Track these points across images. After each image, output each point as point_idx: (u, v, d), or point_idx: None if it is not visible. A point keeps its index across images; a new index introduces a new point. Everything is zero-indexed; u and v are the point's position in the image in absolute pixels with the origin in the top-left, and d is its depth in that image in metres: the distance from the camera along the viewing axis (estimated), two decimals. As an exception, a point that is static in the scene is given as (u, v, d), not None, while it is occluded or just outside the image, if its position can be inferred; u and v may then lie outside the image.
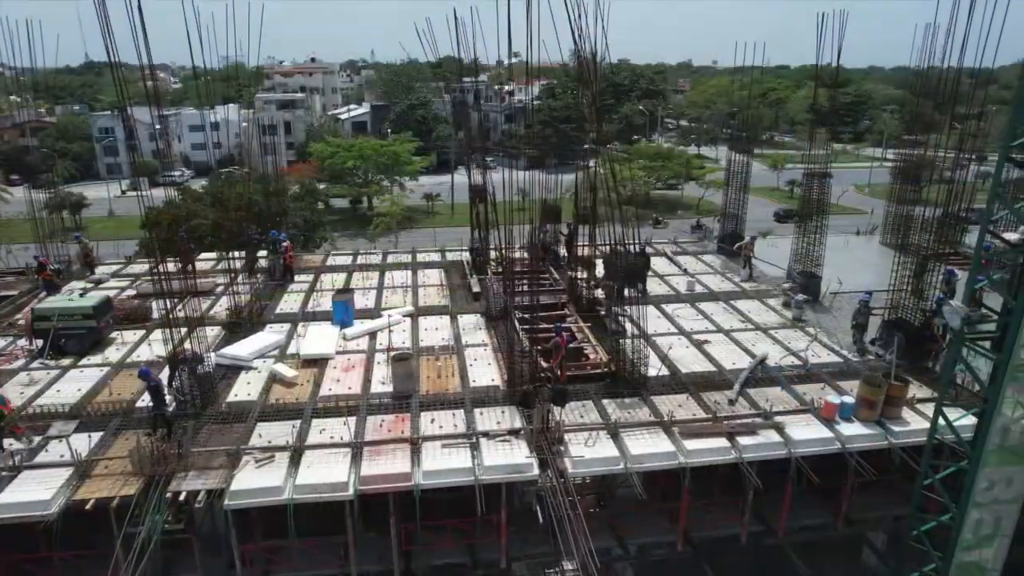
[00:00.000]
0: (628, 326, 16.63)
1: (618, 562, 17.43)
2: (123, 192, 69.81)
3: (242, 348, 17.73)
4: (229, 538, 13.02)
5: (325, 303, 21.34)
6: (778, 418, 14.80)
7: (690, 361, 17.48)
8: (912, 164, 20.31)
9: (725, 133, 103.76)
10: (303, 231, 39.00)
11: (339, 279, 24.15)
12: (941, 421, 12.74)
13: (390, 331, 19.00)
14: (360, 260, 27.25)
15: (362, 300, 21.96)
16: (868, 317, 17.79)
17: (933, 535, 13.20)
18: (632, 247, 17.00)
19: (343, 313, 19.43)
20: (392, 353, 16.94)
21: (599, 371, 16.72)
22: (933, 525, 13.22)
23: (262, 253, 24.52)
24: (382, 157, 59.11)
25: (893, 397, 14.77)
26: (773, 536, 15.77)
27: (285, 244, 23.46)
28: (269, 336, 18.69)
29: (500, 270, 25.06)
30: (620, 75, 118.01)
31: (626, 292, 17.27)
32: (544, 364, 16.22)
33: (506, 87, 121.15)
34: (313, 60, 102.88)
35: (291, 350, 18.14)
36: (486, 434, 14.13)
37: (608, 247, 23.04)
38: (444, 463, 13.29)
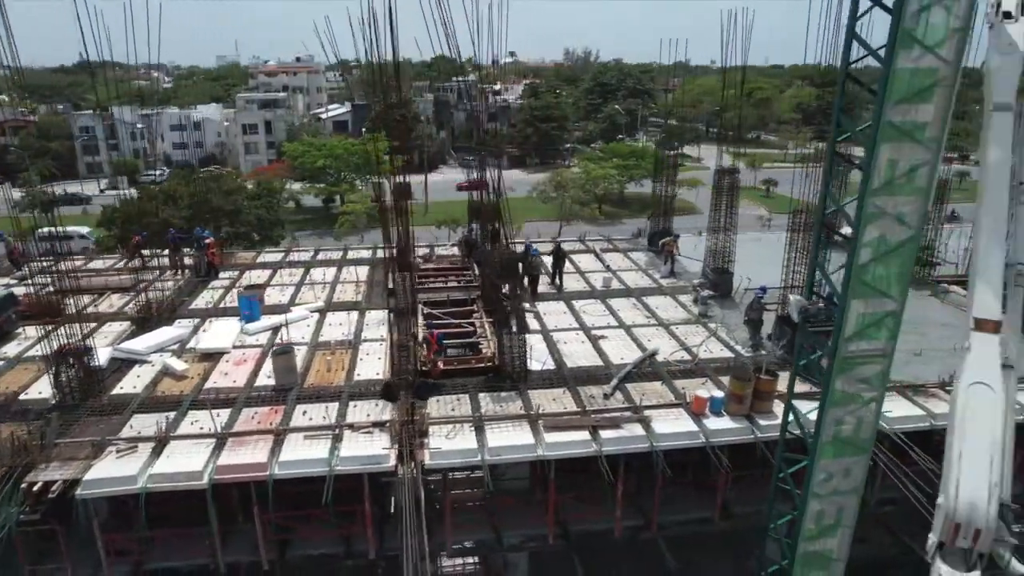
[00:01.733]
0: (516, 321, 16.85)
1: (512, 553, 17.71)
2: (101, 191, 70.29)
3: (140, 343, 18.00)
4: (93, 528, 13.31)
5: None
6: (648, 412, 14.98)
7: (580, 356, 17.66)
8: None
9: (710, 133, 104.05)
10: (257, 229, 39.39)
11: (264, 276, 24.40)
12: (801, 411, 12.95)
13: (287, 326, 19.21)
14: (293, 257, 27.49)
15: (279, 296, 22.25)
16: (761, 313, 17.92)
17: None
18: (510, 244, 17.17)
19: (248, 309, 19.66)
20: (274, 348, 17.17)
21: (482, 365, 16.90)
22: (788, 519, 13.43)
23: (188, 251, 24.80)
24: (353, 156, 59.37)
25: (762, 391, 14.92)
26: (662, 530, 16.01)
27: (207, 241, 23.70)
28: (172, 331, 18.94)
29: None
30: (607, 74, 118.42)
31: (512, 288, 17.45)
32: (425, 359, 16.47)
33: (495, 86, 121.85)
34: (299, 59, 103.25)
35: (190, 345, 18.41)
36: (351, 426, 14.35)
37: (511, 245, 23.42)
38: (301, 454, 13.51)
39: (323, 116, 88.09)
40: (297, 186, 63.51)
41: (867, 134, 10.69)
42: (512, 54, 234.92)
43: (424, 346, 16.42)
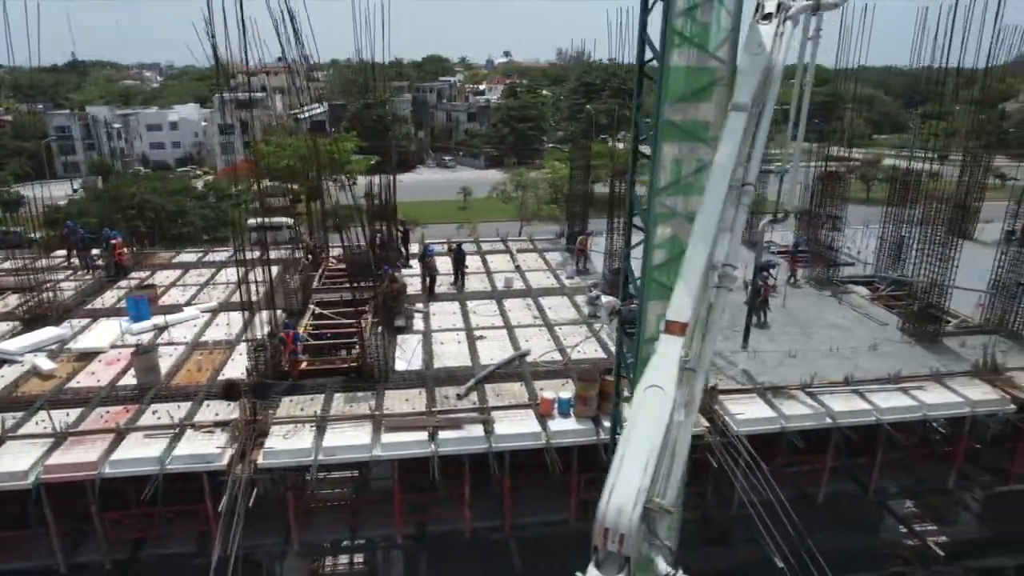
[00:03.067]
0: (383, 321, 16.87)
1: (393, 550, 17.72)
2: (75, 191, 70.55)
3: (14, 343, 18.05)
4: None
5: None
6: (496, 413, 14.96)
7: (450, 357, 17.65)
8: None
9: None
10: (206, 230, 39.44)
11: (173, 275, 24.46)
12: (623, 414, 12.92)
13: (167, 327, 19.23)
14: (212, 257, 27.51)
15: (179, 296, 22.32)
16: (631, 313, 17.80)
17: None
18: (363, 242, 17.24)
19: (135, 309, 19.70)
20: (135, 348, 17.21)
21: (345, 366, 16.90)
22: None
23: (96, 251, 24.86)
24: (320, 156, 59.28)
25: (608, 392, 14.86)
26: (520, 530, 15.97)
27: (114, 241, 23.73)
28: (53, 331, 18.96)
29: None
30: (591, 74, 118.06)
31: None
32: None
33: (480, 86, 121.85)
34: (279, 59, 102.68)
35: (68, 345, 18.45)
36: (193, 425, 14.37)
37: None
38: (135, 453, 13.54)
39: (300, 116, 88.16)
40: (265, 185, 63.46)
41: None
42: (507, 54, 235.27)
43: (282, 346, 16.41)
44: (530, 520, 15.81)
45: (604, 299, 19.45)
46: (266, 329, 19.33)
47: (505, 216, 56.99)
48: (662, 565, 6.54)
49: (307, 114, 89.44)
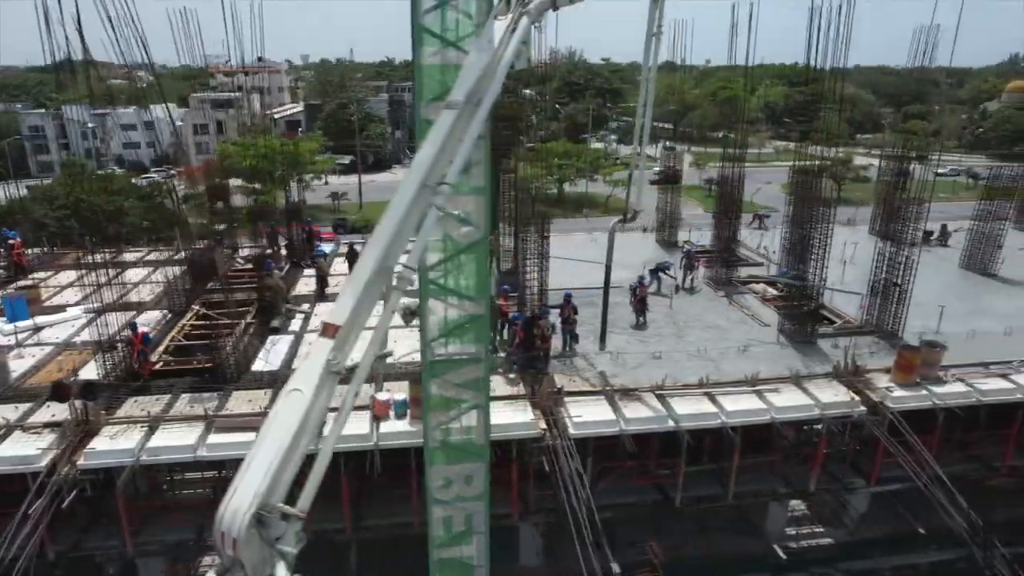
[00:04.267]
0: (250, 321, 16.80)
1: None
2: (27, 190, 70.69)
3: None
4: None
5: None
6: (333, 415, 14.81)
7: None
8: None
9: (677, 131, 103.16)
10: (149, 230, 39.51)
11: (72, 276, 24.45)
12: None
13: (37, 329, 19.20)
14: (126, 257, 27.47)
15: (72, 297, 22.30)
16: (497, 318, 17.68)
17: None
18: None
19: (12, 309, 19.67)
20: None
21: (200, 366, 16.83)
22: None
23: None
24: (280, 156, 59.26)
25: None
26: (365, 531, 15.89)
27: (12, 242, 23.71)
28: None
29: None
30: (575, 74, 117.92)
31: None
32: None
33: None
34: (260, 59, 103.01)
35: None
36: (22, 426, 14.31)
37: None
38: (-46, 454, 13.49)
39: (276, 116, 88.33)
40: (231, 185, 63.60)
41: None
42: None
43: (129, 347, 16.34)
44: (376, 523, 15.71)
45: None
46: (143, 330, 19.41)
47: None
48: (281, 572, 6.41)
49: (283, 114, 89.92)
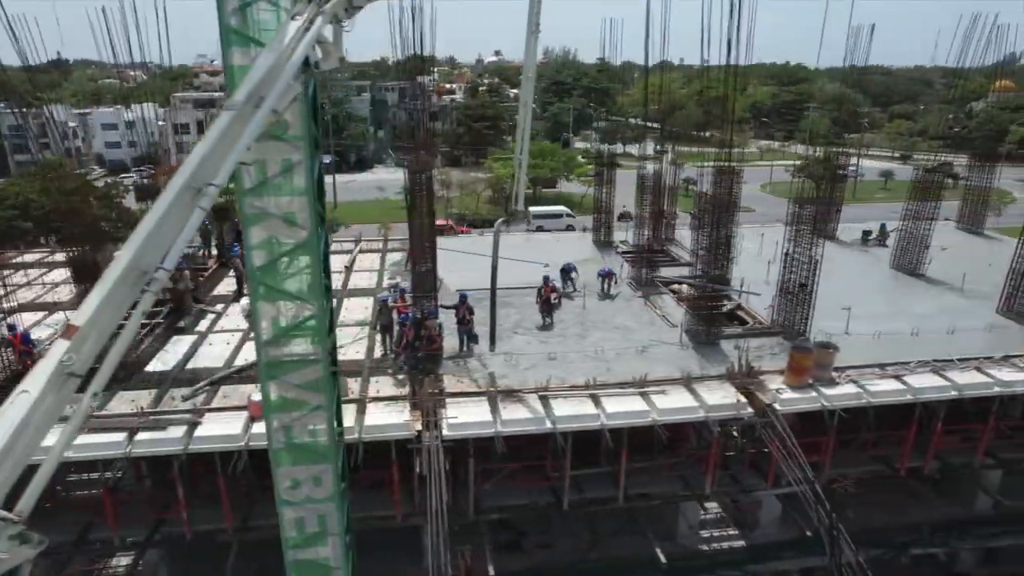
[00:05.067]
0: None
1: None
2: None
3: None
4: None
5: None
6: (211, 415, 14.81)
7: (206, 358, 17.53)
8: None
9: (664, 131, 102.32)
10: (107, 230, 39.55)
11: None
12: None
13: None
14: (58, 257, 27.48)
15: (-10, 296, 22.30)
16: (388, 318, 17.57)
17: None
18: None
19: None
20: None
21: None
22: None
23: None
24: (252, 155, 59.24)
25: (321, 395, 14.67)
26: (250, 532, 15.84)
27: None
28: None
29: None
30: (563, 73, 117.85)
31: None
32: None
33: (449, 85, 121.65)
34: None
35: None
36: None
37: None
38: None
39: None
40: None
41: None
42: (497, 53, 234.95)
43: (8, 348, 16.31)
44: (261, 523, 15.65)
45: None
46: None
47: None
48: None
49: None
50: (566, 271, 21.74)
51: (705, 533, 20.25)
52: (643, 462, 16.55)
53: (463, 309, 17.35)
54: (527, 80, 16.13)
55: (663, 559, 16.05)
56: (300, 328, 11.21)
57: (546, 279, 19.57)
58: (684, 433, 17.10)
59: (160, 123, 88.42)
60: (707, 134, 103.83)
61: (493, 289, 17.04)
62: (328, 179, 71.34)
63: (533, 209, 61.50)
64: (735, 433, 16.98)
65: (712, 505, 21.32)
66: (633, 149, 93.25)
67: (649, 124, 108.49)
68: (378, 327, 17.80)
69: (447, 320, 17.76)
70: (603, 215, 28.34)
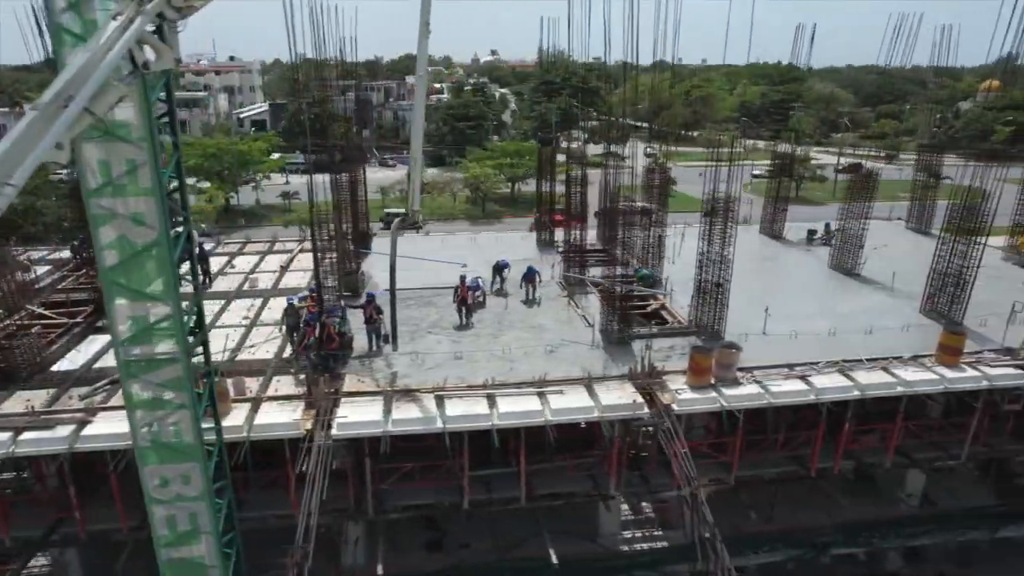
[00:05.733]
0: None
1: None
2: None
3: None
4: None
5: None
6: (107, 414, 14.86)
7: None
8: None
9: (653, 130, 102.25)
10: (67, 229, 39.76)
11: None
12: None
13: None
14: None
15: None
16: (296, 319, 17.55)
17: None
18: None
19: None
20: None
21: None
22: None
23: None
24: (227, 156, 59.44)
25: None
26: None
27: None
28: None
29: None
30: (552, 72, 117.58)
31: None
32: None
33: (436, 84, 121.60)
34: (232, 59, 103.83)
35: None
36: None
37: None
38: None
39: (242, 115, 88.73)
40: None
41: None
42: (494, 52, 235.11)
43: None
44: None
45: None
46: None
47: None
48: None
49: (248, 113, 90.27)
50: (498, 268, 21.75)
51: (628, 534, 20.25)
52: (547, 462, 16.59)
53: (370, 309, 17.38)
54: (420, 80, 16.16)
55: (554, 559, 16.03)
56: (157, 327, 11.25)
57: (463, 279, 19.60)
58: (593, 433, 17.10)
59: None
60: (694, 134, 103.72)
61: (392, 290, 17.05)
62: (320, 179, 70.47)
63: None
64: (649, 432, 16.96)
65: (644, 505, 21.43)
66: (618, 149, 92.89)
67: (637, 124, 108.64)
68: (285, 328, 17.81)
69: (356, 320, 17.80)
70: (544, 215, 28.34)
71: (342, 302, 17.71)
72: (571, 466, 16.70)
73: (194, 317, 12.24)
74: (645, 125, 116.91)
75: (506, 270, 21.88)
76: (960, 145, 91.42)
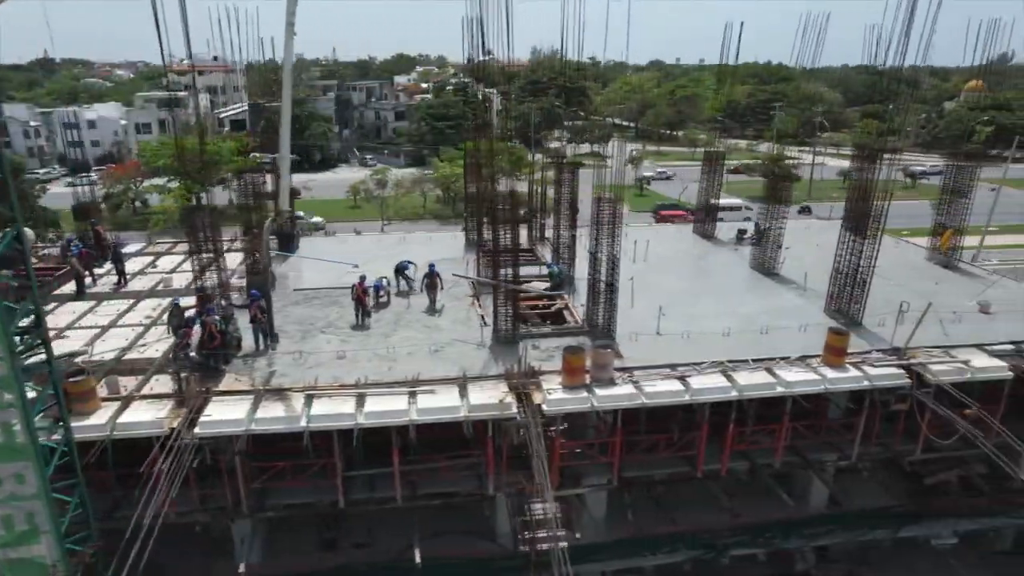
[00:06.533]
0: None
1: None
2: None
3: None
4: None
5: None
6: None
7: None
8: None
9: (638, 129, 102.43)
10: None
11: None
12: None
13: None
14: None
15: None
16: (180, 319, 17.58)
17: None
18: None
19: None
20: None
21: None
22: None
23: None
24: (194, 156, 59.37)
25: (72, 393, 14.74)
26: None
27: None
28: None
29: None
30: (539, 72, 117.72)
31: None
32: None
33: (423, 84, 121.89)
34: (215, 59, 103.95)
35: None
36: None
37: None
38: None
39: (222, 115, 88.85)
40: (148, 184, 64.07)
41: None
42: (489, 52, 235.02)
43: None
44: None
45: None
46: None
47: (361, 216, 56.97)
48: None
49: (227, 113, 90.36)
50: (400, 269, 21.80)
51: (529, 534, 20.20)
52: (432, 462, 16.60)
53: (254, 308, 17.42)
54: (286, 78, 16.16)
55: (418, 559, 16.06)
56: (-27, 327, 11.28)
57: (362, 279, 19.62)
58: (477, 433, 17.08)
59: (122, 122, 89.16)
60: (679, 133, 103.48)
61: (267, 291, 17.07)
62: (301, 178, 70.56)
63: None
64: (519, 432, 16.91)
65: (548, 506, 21.37)
66: (600, 148, 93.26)
67: (625, 124, 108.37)
68: (170, 328, 17.86)
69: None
70: (473, 215, 28.34)
71: (222, 302, 17.73)
72: (443, 467, 16.65)
73: (30, 317, 12.30)
74: (632, 124, 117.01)
75: (408, 270, 21.90)
76: (944, 145, 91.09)
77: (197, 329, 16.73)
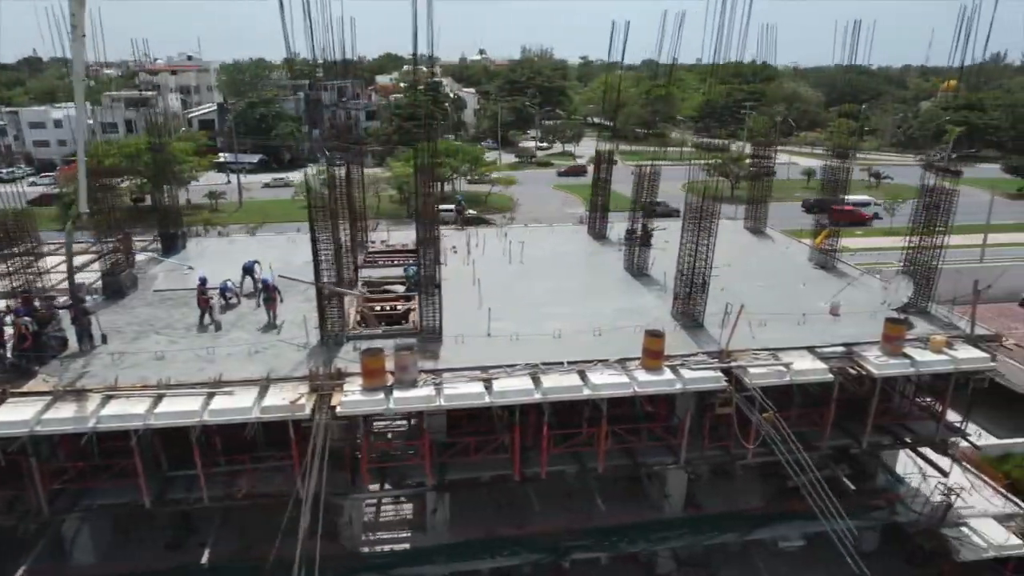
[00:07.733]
0: None
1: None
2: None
3: None
4: None
5: None
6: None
7: None
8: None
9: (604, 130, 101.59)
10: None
11: None
12: None
13: None
14: None
15: None
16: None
17: None
18: None
19: None
20: None
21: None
22: None
23: None
24: (145, 156, 59.68)
25: None
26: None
27: None
28: None
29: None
30: (518, 72, 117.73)
31: None
32: None
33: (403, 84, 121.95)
34: (190, 58, 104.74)
35: None
36: None
37: None
38: None
39: (191, 115, 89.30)
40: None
41: None
42: (481, 52, 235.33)
43: None
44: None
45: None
46: None
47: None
48: None
49: (196, 113, 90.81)
50: (247, 270, 21.84)
51: (372, 535, 20.26)
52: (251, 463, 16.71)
53: (75, 310, 17.50)
54: (77, 83, 16.22)
55: (204, 561, 16.12)
56: None
57: (202, 281, 19.70)
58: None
59: (89, 122, 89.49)
60: (649, 132, 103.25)
61: (72, 291, 17.14)
62: (263, 178, 70.79)
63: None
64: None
65: (398, 507, 21.43)
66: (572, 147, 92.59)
67: (603, 123, 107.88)
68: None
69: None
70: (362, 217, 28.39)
71: (36, 302, 17.78)
72: (248, 468, 16.71)
73: None
74: (608, 123, 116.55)
75: (255, 271, 21.92)
76: (917, 145, 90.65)
77: (9, 331, 16.81)
